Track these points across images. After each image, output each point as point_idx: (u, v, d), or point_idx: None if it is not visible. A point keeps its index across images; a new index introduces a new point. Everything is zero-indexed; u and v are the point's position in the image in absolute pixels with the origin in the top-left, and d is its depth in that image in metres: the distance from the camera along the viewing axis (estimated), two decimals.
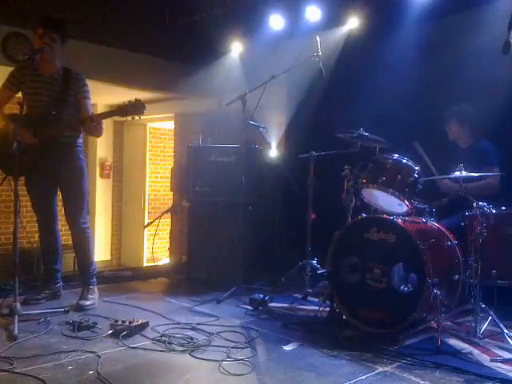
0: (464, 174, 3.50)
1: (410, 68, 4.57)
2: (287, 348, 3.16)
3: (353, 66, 5.12)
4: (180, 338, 3.20)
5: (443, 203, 4.12)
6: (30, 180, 3.90)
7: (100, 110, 8.03)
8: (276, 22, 5.51)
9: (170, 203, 8.14)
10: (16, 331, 3.13)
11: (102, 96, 7.24)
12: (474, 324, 3.30)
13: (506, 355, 3.06)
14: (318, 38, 4.26)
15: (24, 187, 3.92)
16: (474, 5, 4.30)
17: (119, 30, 6.51)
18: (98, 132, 3.87)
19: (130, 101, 3.62)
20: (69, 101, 3.84)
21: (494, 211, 3.36)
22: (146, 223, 8.57)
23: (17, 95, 3.93)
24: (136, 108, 3.60)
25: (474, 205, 3.36)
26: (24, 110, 3.51)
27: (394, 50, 4.68)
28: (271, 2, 5.47)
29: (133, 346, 3.07)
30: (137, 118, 3.63)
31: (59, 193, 4.01)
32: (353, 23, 5.13)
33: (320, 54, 4.22)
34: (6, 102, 3.90)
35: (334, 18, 5.18)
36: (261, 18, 5.56)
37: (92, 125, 3.74)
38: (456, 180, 3.66)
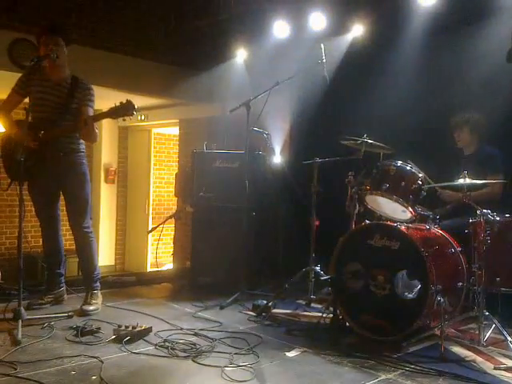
0: (468, 181, 3.48)
1: (414, 75, 4.58)
2: (290, 354, 3.15)
3: (357, 73, 5.12)
4: (183, 343, 3.20)
5: (447, 211, 4.12)
6: (33, 185, 3.90)
7: None
8: (280, 28, 5.53)
9: (174, 208, 8.16)
10: (20, 336, 3.14)
11: (107, 101, 7.23)
12: (477, 331, 3.28)
13: (510, 363, 3.04)
14: (322, 45, 4.27)
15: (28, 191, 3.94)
16: (477, 13, 4.30)
17: (125, 36, 6.56)
18: (91, 136, 3.85)
19: (121, 102, 3.61)
20: (71, 108, 3.84)
21: (498, 218, 3.34)
22: (149, 228, 8.58)
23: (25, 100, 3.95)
24: (126, 109, 3.58)
25: (478, 212, 3.35)
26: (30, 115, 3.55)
27: (398, 57, 4.70)
28: (276, 9, 5.49)
29: (136, 351, 3.08)
30: (128, 119, 3.62)
31: (62, 197, 4.03)
32: (357, 31, 5.15)
33: (324, 60, 4.23)
34: (15, 107, 3.93)
35: (338, 26, 5.20)
36: (265, 24, 5.59)
37: (85, 127, 3.73)
38: (459, 188, 3.65)
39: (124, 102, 3.59)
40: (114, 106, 3.64)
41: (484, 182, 3.64)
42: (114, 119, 3.75)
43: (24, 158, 3.35)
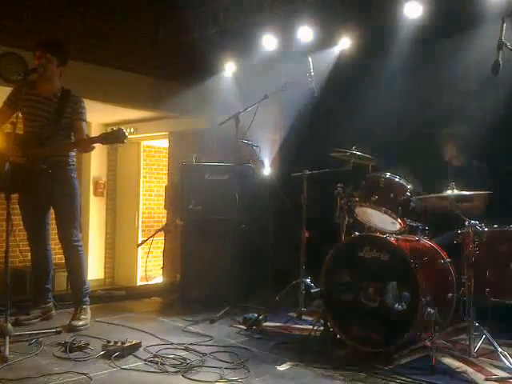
0: (455, 192, 3.50)
1: (401, 87, 4.63)
2: (281, 368, 3.13)
3: (345, 85, 5.17)
4: (173, 358, 3.17)
5: (435, 221, 4.13)
6: (22, 198, 3.89)
7: (94, 128, 8.07)
8: (269, 42, 5.57)
9: (163, 221, 8.13)
10: (7, 352, 3.09)
11: (97, 114, 7.26)
12: (468, 342, 3.28)
13: (501, 374, 3.04)
14: (309, 58, 4.30)
15: (17, 205, 3.91)
16: (464, 25, 4.36)
17: (113, 50, 6.56)
18: (87, 149, 3.91)
19: (112, 129, 3.61)
20: (63, 123, 3.84)
21: (486, 229, 3.37)
22: (139, 242, 8.53)
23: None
24: (117, 136, 3.58)
25: (466, 223, 3.37)
26: (18, 129, 3.53)
27: (385, 70, 4.74)
28: (264, 23, 5.53)
29: (125, 367, 3.04)
30: (120, 145, 3.65)
31: (52, 211, 4.00)
32: (345, 43, 5.20)
33: (312, 73, 4.27)
34: (6, 121, 3.89)
35: (326, 38, 5.25)
36: (254, 38, 5.62)
37: (83, 143, 3.79)
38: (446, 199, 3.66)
39: (115, 129, 3.59)
40: (105, 132, 3.65)
41: (471, 193, 3.65)
42: (104, 144, 3.75)
43: (11, 171, 3.33)
